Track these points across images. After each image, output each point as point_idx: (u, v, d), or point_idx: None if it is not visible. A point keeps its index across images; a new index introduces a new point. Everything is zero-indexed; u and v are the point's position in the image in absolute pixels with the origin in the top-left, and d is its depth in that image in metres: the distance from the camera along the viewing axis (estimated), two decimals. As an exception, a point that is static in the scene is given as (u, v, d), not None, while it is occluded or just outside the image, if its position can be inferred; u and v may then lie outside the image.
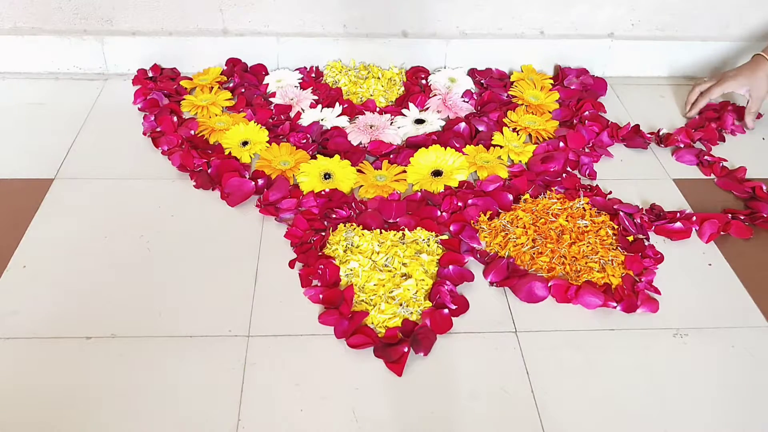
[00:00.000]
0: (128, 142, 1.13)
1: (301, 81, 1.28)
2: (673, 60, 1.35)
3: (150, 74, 1.28)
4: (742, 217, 1.00)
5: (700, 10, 1.31)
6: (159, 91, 1.22)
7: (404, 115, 1.21)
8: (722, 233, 0.98)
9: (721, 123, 1.20)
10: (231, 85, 1.26)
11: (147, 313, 0.83)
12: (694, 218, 0.99)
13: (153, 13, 1.26)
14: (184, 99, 1.22)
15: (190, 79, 1.28)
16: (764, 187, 1.05)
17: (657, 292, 0.88)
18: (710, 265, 0.94)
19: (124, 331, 0.81)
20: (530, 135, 1.16)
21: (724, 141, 1.18)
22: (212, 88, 1.25)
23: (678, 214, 0.99)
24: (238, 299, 0.85)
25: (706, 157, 1.12)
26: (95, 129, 1.16)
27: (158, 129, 1.14)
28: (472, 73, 1.32)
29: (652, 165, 1.13)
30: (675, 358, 0.81)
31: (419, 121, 1.19)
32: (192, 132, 1.13)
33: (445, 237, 0.95)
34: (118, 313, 0.83)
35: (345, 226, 0.95)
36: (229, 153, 1.09)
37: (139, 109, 1.21)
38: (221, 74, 1.29)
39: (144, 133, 1.15)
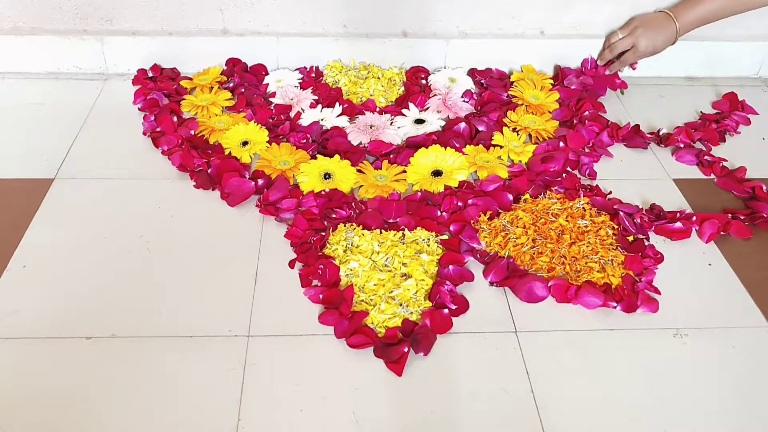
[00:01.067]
0: (128, 142, 1.13)
1: (301, 81, 1.28)
2: (672, 60, 1.35)
3: (150, 74, 1.28)
4: (742, 217, 1.00)
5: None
6: (159, 91, 1.22)
7: (404, 115, 1.21)
8: (722, 233, 0.98)
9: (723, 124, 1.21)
10: (231, 85, 1.26)
11: (147, 313, 0.83)
12: (694, 218, 0.99)
13: (153, 13, 1.26)
14: (184, 99, 1.22)
15: (190, 79, 1.28)
16: (764, 187, 1.05)
17: (657, 292, 0.88)
18: (710, 265, 0.94)
19: (124, 331, 0.81)
20: (530, 135, 1.16)
21: (724, 141, 1.18)
22: (212, 88, 1.25)
23: (678, 214, 0.99)
24: (238, 299, 0.85)
25: (706, 157, 1.12)
26: (95, 129, 1.16)
27: (158, 129, 1.14)
28: (472, 73, 1.32)
29: (652, 165, 1.13)
30: (675, 358, 0.81)
31: (419, 121, 1.19)
32: (192, 132, 1.13)
33: (445, 237, 0.95)
34: (118, 313, 0.83)
35: (345, 226, 0.95)
36: (229, 153, 1.09)
37: (139, 109, 1.21)
38: (221, 74, 1.29)
39: (144, 133, 1.15)
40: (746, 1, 1.17)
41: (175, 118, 1.15)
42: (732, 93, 1.29)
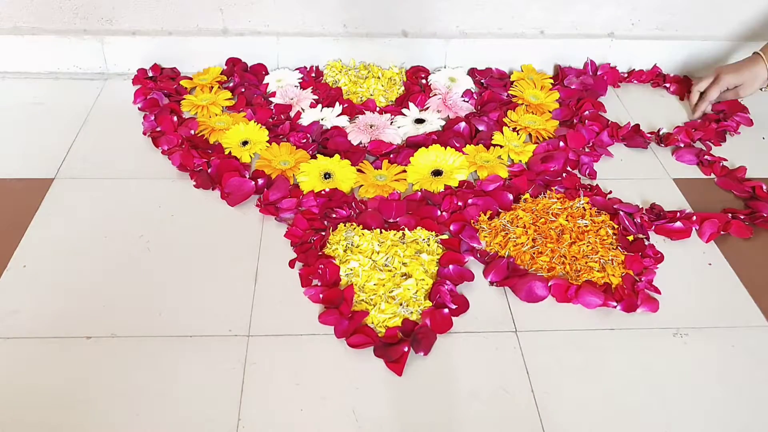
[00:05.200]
0: (128, 141, 1.13)
1: (301, 81, 1.28)
2: (673, 59, 1.35)
3: (150, 74, 1.28)
4: (742, 217, 1.00)
5: (701, 10, 1.31)
6: (159, 90, 1.22)
7: (404, 114, 1.21)
8: (722, 233, 0.98)
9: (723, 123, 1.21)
10: (231, 84, 1.26)
11: (147, 313, 0.83)
12: (694, 218, 0.99)
13: (153, 12, 1.26)
14: (184, 99, 1.22)
15: (190, 78, 1.28)
16: (764, 187, 1.05)
17: (657, 291, 0.88)
18: (710, 264, 0.94)
19: (124, 331, 0.81)
20: (530, 134, 1.16)
21: (724, 141, 1.18)
22: (212, 87, 1.25)
23: (678, 214, 0.99)
24: (238, 299, 0.85)
25: (706, 156, 1.12)
26: (95, 129, 1.16)
27: (158, 129, 1.14)
28: (472, 72, 1.32)
29: (652, 164, 1.13)
30: (675, 358, 0.81)
31: (419, 121, 1.19)
32: (192, 132, 1.13)
33: (445, 236, 0.95)
34: (118, 312, 0.83)
35: (345, 225, 0.95)
36: (229, 153, 1.09)
37: (139, 108, 1.21)
38: (221, 74, 1.29)
39: (144, 133, 1.15)
40: None
41: (175, 118, 1.15)
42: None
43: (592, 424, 0.73)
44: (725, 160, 1.12)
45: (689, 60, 1.35)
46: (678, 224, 0.98)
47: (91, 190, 1.02)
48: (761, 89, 1.20)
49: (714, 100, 1.23)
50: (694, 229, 0.98)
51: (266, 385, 0.76)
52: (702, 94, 1.24)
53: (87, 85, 1.28)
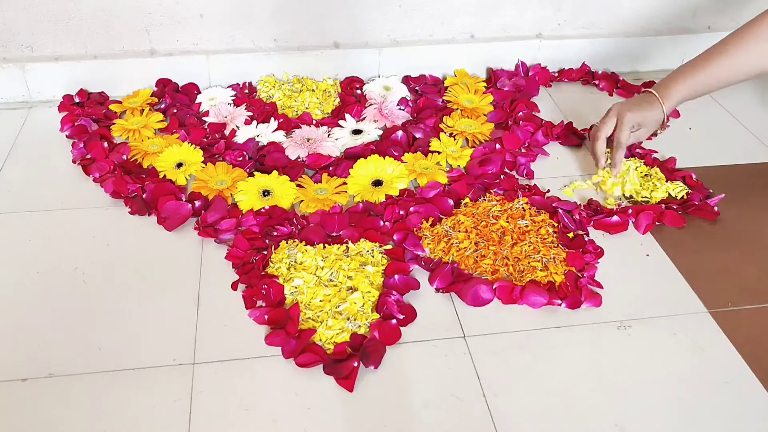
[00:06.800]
0: (57, 171, 1.09)
1: (234, 98, 1.26)
2: (600, 56, 1.39)
3: (77, 100, 1.24)
4: (675, 207, 1.03)
5: (622, 8, 1.34)
6: (87, 116, 1.19)
7: (341, 126, 1.20)
8: (657, 223, 1.01)
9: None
10: (162, 106, 1.23)
11: (85, 349, 0.80)
12: (630, 211, 1.01)
13: (76, 36, 1.22)
14: (114, 123, 1.18)
15: (120, 102, 1.24)
16: (694, 176, 1.08)
17: (599, 286, 0.90)
18: (648, 255, 0.96)
19: (62, 370, 0.77)
20: (467, 139, 1.17)
21: (655, 134, 1.21)
22: (143, 110, 1.22)
23: (615, 208, 1.01)
24: (181, 326, 0.83)
25: (637, 149, 1.15)
26: (21, 160, 1.12)
27: (88, 156, 1.11)
28: (406, 80, 1.33)
29: (586, 161, 1.15)
30: (621, 351, 0.82)
31: (356, 132, 1.18)
32: (124, 157, 1.10)
33: (389, 246, 0.94)
34: (54, 350, 0.80)
35: (287, 243, 0.94)
36: (164, 176, 1.06)
37: (66, 136, 1.17)
38: (152, 96, 1.25)
39: (73, 161, 1.11)
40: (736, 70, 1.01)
41: (105, 144, 1.12)
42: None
43: (544, 422, 0.74)
44: (656, 152, 1.15)
45: (614, 55, 1.39)
46: (615, 218, 1.00)
47: (20, 224, 0.98)
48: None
49: (628, 144, 1.06)
50: (630, 221, 1.01)
51: (215, 412, 0.74)
52: (608, 140, 1.07)
53: (10, 114, 1.23)
